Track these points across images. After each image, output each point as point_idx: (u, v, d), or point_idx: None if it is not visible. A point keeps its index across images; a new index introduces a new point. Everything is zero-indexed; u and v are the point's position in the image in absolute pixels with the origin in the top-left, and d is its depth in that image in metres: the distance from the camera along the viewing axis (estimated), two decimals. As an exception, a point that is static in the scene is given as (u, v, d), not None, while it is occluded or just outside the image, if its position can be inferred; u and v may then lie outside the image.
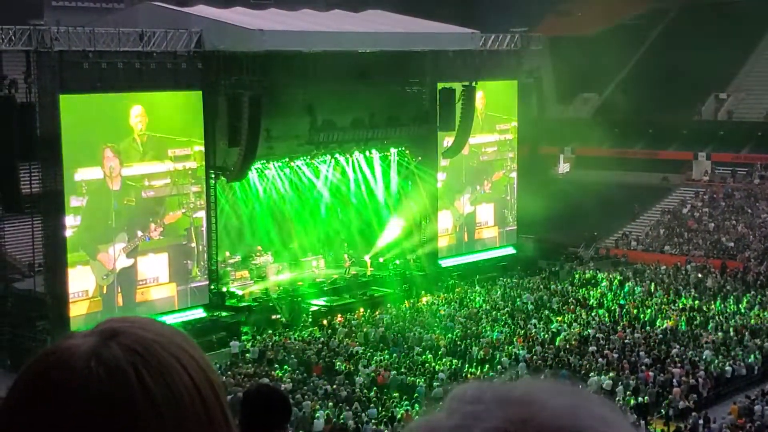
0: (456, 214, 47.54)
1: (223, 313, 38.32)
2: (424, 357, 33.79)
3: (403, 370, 32.61)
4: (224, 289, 39.59)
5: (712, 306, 39.97)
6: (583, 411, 1.23)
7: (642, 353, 33.53)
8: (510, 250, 48.95)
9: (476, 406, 1.23)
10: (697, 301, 40.64)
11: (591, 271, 46.59)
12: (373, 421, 28.33)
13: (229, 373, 32.00)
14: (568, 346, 34.67)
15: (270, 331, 37.50)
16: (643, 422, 27.58)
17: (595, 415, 1.23)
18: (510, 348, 34.69)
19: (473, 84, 45.24)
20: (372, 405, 29.24)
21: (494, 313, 39.57)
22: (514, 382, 1.27)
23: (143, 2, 43.17)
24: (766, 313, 38.27)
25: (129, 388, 1.30)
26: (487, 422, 1.21)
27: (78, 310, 34.03)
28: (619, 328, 37.07)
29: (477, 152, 47.97)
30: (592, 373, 31.54)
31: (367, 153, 45.04)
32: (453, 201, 47.48)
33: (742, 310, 39.36)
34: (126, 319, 1.40)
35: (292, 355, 34.23)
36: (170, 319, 33.29)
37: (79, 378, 1.30)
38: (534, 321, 38.19)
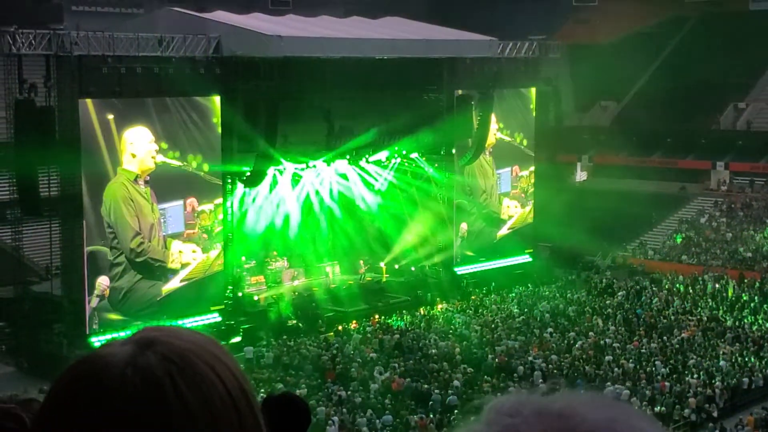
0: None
1: (239, 318, 38.40)
2: (439, 365, 33.72)
3: (418, 377, 32.55)
4: (240, 294, 39.69)
5: (729, 316, 39.82)
6: (621, 424, 1.22)
7: (658, 363, 33.41)
8: (526, 258, 48.84)
9: (515, 419, 1.22)
10: (714, 312, 40.49)
11: (607, 280, 46.50)
12: (387, 428, 28.31)
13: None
14: (584, 356, 34.56)
15: (285, 337, 37.53)
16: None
17: (633, 428, 1.22)
18: (526, 356, 34.61)
19: (491, 91, 45.29)
20: (387, 412, 29.20)
21: (509, 321, 39.49)
22: (553, 395, 1.26)
23: (162, 8, 43.39)
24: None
25: (164, 398, 1.30)
26: None
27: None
28: (635, 337, 36.94)
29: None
30: (608, 383, 31.43)
31: (384, 159, 45.07)
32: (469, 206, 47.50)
33: (760, 321, 39.18)
34: (161, 328, 1.40)
35: (307, 361, 34.25)
36: (187, 323, 33.40)
37: (114, 386, 1.30)
38: (550, 330, 38.08)
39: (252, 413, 1.39)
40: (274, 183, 41.57)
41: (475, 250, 46.81)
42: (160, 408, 1.29)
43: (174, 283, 36.85)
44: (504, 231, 48.38)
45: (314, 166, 42.58)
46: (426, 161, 46.23)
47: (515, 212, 49.05)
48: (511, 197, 49.05)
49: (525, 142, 48.89)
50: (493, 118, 46.48)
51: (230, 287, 38.96)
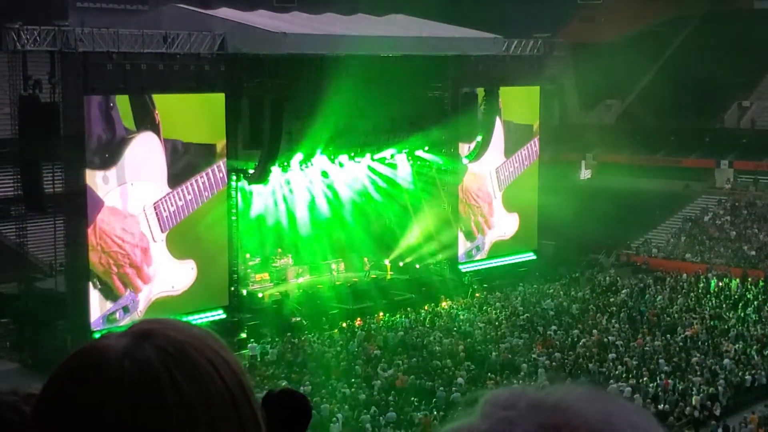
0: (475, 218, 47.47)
1: (244, 315, 38.41)
2: (443, 362, 33.72)
3: (421, 374, 32.56)
4: (244, 291, 39.68)
5: (733, 314, 39.77)
6: (617, 418, 1.22)
7: (662, 361, 33.39)
8: (530, 256, 48.79)
9: (510, 412, 1.23)
10: (717, 310, 40.43)
11: (611, 278, 46.47)
12: (391, 424, 28.31)
13: (248, 375, 31.97)
14: (587, 353, 34.55)
15: (289, 334, 37.53)
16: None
17: (629, 422, 1.23)
18: (529, 354, 34.61)
19: (496, 89, 45.25)
20: (390, 409, 29.22)
21: (513, 318, 39.49)
22: (548, 389, 1.26)
23: (167, 4, 43.35)
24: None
25: (161, 390, 1.31)
26: (520, 427, 1.21)
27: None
28: (639, 335, 36.92)
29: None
30: (611, 380, 31.42)
31: (389, 157, 45.03)
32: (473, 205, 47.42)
33: (764, 319, 39.12)
34: (159, 320, 1.41)
35: (312, 358, 34.28)
36: (191, 320, 33.30)
37: (112, 378, 1.31)
38: (554, 327, 38.07)
39: (250, 407, 1.40)
40: (279, 180, 41.54)
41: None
42: (157, 400, 1.30)
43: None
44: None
45: (319, 164, 42.56)
46: (431, 158, 46.15)
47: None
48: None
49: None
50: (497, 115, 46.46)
51: (234, 285, 38.92)
